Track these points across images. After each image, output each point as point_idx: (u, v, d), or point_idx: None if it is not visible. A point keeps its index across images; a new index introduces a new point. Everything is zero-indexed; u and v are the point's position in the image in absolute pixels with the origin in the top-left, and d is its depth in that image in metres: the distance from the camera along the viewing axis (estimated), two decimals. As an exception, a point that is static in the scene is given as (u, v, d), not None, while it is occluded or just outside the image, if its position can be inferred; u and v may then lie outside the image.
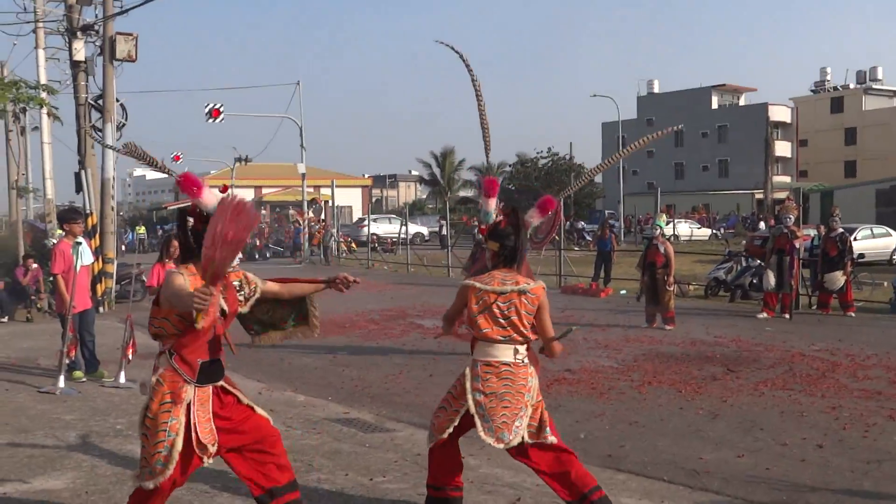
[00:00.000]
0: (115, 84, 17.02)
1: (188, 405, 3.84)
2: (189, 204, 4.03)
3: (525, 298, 4.43)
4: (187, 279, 3.80)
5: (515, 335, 4.42)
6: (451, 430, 4.47)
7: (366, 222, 37.11)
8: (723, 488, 5.45)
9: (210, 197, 3.91)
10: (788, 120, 68.18)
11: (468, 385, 4.40)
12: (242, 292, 4.24)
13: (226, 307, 4.01)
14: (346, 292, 4.66)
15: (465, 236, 36.45)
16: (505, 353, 4.43)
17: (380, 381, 9.00)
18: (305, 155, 34.39)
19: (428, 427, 4.78)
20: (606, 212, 48.84)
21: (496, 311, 4.40)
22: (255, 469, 4.05)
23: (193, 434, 3.82)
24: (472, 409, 4.33)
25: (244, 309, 4.25)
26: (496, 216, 4.70)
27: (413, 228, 41.14)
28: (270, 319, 4.61)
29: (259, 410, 4.16)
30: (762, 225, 38.40)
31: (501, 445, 4.36)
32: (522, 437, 4.36)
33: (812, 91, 73.65)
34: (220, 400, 4.04)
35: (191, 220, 3.96)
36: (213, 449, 3.92)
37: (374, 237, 34.80)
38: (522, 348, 4.48)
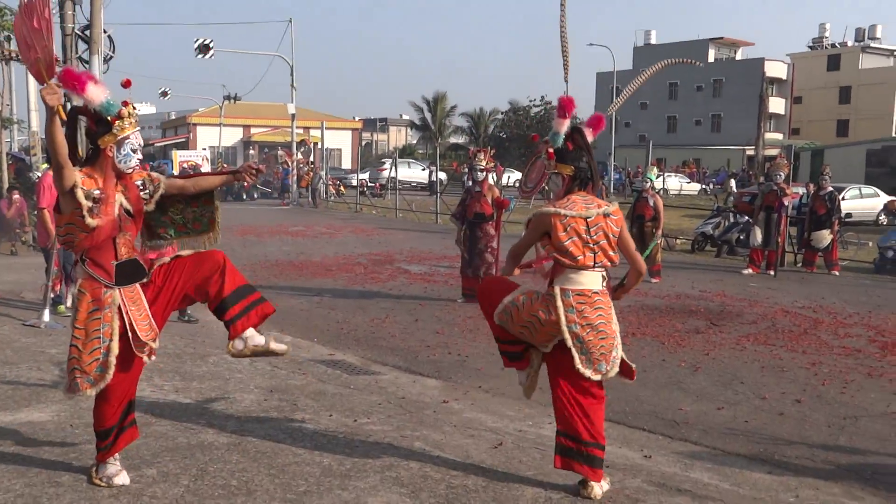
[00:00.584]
0: (102, 15, 16.61)
1: (119, 308, 3.86)
2: (78, 104, 3.89)
3: (610, 220, 4.28)
4: (79, 176, 3.80)
5: (605, 260, 4.27)
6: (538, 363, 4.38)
7: (385, 165, 36.64)
8: (701, 439, 5.54)
9: (96, 91, 3.79)
10: (784, 76, 67.66)
11: (563, 317, 4.20)
12: (147, 190, 4.19)
13: (129, 206, 3.98)
14: (248, 184, 4.56)
15: (454, 183, 36.31)
16: (596, 281, 4.28)
17: (365, 324, 9.02)
18: (296, 95, 33.95)
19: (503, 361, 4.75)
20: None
21: (585, 236, 4.23)
22: (199, 289, 4.08)
23: (131, 334, 3.87)
24: (570, 343, 4.17)
25: (149, 207, 4.18)
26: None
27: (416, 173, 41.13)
28: (182, 220, 4.48)
29: (186, 253, 4.19)
30: (732, 184, 38.52)
31: (599, 377, 4.29)
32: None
33: (809, 48, 73.01)
34: (154, 285, 4.05)
35: (83, 119, 3.90)
36: (154, 344, 4.01)
37: (363, 181, 34.59)
38: (606, 274, 4.35)
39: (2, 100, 20.27)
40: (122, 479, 4.04)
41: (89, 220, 3.75)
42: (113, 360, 3.83)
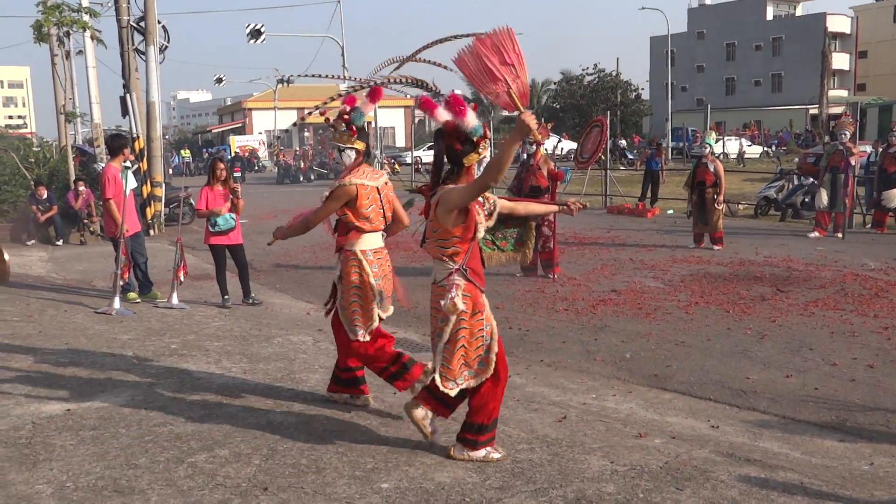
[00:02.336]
0: (156, 5, 16.93)
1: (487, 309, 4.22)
2: (444, 122, 4.05)
3: (387, 187, 5.03)
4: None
5: (385, 221, 5.11)
6: None
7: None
8: (770, 408, 5.44)
9: (473, 116, 3.99)
10: (847, 30, 65.30)
11: (370, 273, 4.94)
12: (485, 207, 4.37)
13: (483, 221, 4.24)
14: (574, 215, 4.90)
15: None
16: (381, 239, 5.13)
17: (425, 301, 8.96)
18: (347, 75, 34.03)
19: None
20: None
21: (377, 202, 5.00)
22: None
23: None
24: (375, 294, 4.98)
25: (490, 223, 4.42)
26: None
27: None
28: (493, 238, 4.91)
29: None
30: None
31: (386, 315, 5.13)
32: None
33: (873, -1, 70.24)
34: None
35: (448, 139, 4.06)
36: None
37: (418, 159, 34.64)
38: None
39: (65, 94, 20.84)
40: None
41: (479, 234, 4.11)
42: (493, 356, 4.16)
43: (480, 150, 4.08)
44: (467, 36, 3.93)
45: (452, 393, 4.19)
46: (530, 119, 3.66)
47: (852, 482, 4.13)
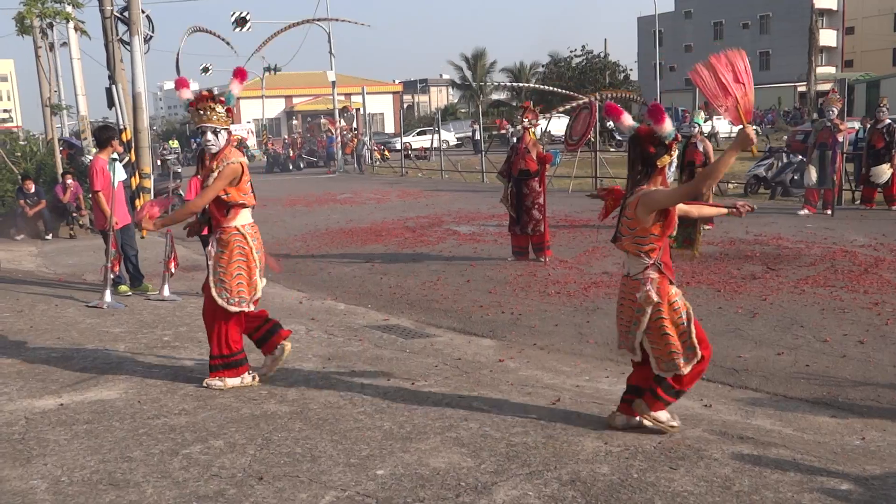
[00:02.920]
0: (139, -4, 16.76)
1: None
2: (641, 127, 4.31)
3: (245, 165, 5.39)
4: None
5: None
6: None
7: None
8: (762, 386, 5.48)
9: (669, 122, 4.22)
10: (834, 7, 65.25)
11: (253, 247, 5.34)
12: None
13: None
14: (742, 216, 5.05)
15: (498, 140, 36.07)
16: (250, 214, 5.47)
17: (417, 287, 9.08)
18: (335, 62, 33.88)
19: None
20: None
21: (248, 179, 5.38)
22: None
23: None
24: (259, 271, 5.44)
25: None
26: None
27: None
28: None
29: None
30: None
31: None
32: None
33: (860, -25, 70.15)
34: None
35: (643, 143, 4.26)
36: None
37: (408, 145, 34.58)
38: None
39: (49, 86, 20.68)
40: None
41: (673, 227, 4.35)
42: (695, 339, 4.27)
43: (671, 153, 4.31)
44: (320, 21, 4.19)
45: (682, 371, 4.30)
46: (751, 133, 3.99)
47: (844, 457, 4.16)
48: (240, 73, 5.32)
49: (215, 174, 5.10)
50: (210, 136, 5.16)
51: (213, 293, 5.21)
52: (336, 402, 5.06)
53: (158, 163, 37.20)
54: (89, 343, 6.72)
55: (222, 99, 5.20)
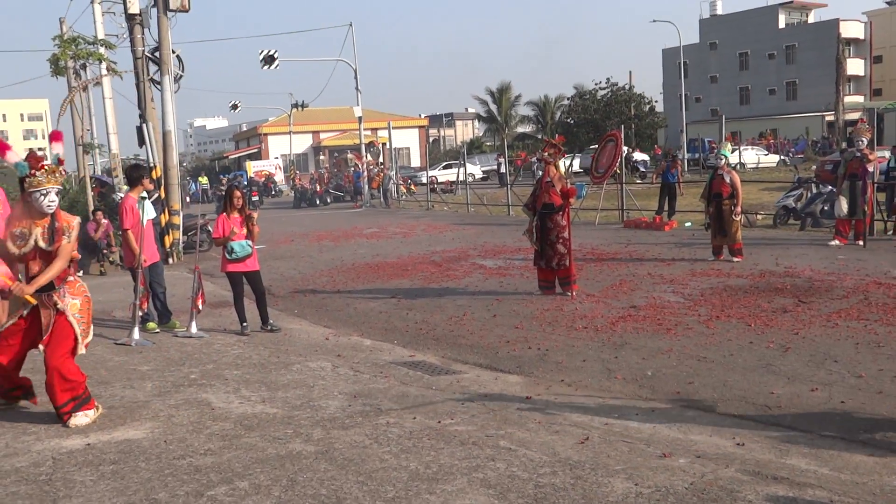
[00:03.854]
0: (170, 35, 17.13)
1: None
2: None
3: None
4: None
5: None
6: None
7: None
8: (796, 423, 5.35)
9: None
10: (862, 36, 64.94)
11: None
12: None
13: None
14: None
15: (524, 173, 36.13)
16: None
17: (444, 323, 9.04)
18: (361, 98, 34.24)
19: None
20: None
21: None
22: None
23: None
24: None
25: None
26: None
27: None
28: None
29: None
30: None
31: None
32: None
33: (887, 3, 69.79)
34: None
35: None
36: None
37: (434, 178, 34.72)
38: None
39: (83, 125, 21.09)
40: None
41: None
42: None
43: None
44: None
45: None
46: None
47: (883, 498, 4.03)
48: (55, 136, 5.86)
49: (74, 234, 5.52)
50: (54, 196, 5.43)
51: (81, 339, 5.63)
52: (362, 441, 5.02)
53: (187, 199, 37.59)
54: (117, 381, 6.75)
55: (62, 159, 5.61)
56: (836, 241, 13.18)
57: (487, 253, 14.78)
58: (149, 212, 8.93)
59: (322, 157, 58.85)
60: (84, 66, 21.29)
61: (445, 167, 46.15)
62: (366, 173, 33.82)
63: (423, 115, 74.74)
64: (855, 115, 41.45)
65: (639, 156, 43.46)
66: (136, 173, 9.21)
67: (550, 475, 4.36)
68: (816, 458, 4.71)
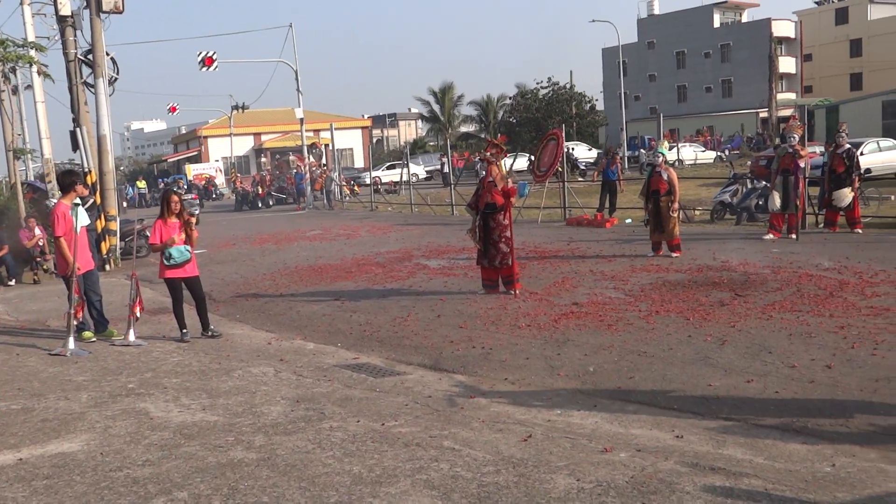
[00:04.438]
0: (103, 37, 16.72)
1: None
2: None
3: None
4: None
5: None
6: None
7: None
8: (733, 414, 5.47)
9: None
10: (792, 35, 66.78)
11: None
12: None
13: None
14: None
15: (467, 172, 36.24)
16: None
17: (388, 324, 9.02)
18: (302, 99, 33.99)
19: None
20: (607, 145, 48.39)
21: None
22: None
23: None
24: None
25: None
26: None
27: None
28: None
29: None
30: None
31: None
32: None
33: (816, 3, 72.01)
34: None
35: None
36: None
37: (377, 179, 34.60)
38: None
39: (13, 130, 20.47)
40: None
41: None
42: None
43: None
44: None
45: None
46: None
47: (815, 485, 4.15)
48: None
49: None
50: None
51: None
52: (304, 446, 4.98)
53: (124, 204, 36.76)
54: (51, 392, 6.56)
55: None
56: (771, 235, 13.53)
57: (431, 253, 14.79)
58: (82, 218, 8.71)
59: (264, 160, 58.13)
60: (14, 70, 20.66)
61: (389, 167, 46.05)
62: (308, 175, 33.55)
63: (366, 116, 74.40)
64: (787, 112, 42.71)
65: (581, 152, 44.01)
66: (68, 179, 8.96)
67: (494, 474, 4.38)
68: (752, 447, 4.83)
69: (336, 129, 36.39)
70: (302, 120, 35.01)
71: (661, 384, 6.18)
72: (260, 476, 4.47)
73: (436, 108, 67.22)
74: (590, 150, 45.69)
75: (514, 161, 24.33)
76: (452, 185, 25.29)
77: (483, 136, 57.45)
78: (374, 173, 35.81)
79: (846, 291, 8.87)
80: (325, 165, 37.15)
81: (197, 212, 26.27)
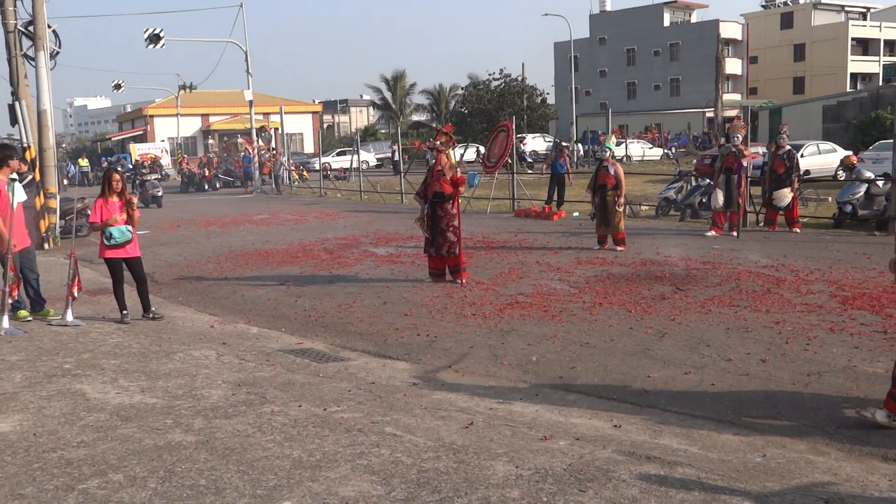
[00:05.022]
0: (45, 9, 16.21)
1: None
2: None
3: None
4: None
5: None
6: None
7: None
8: (670, 405, 5.59)
9: None
10: (739, 37, 68.15)
11: None
12: None
13: None
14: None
15: (418, 161, 36.22)
16: None
17: (333, 310, 8.98)
18: (252, 81, 33.45)
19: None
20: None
21: None
22: None
23: None
24: None
25: None
26: None
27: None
28: None
29: None
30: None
31: None
32: None
33: (762, 6, 73.60)
34: None
35: None
36: None
37: (327, 165, 34.33)
38: None
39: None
40: None
41: None
42: None
43: None
44: None
45: None
46: None
47: (746, 475, 4.27)
48: None
49: None
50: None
51: None
52: (244, 430, 4.94)
53: (65, 182, 35.81)
54: (-17, 372, 6.37)
55: None
56: (713, 232, 13.83)
57: (379, 240, 14.75)
58: (19, 194, 8.44)
59: (211, 141, 57.11)
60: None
61: (339, 154, 45.71)
62: (256, 158, 33.11)
63: (317, 101, 73.68)
64: (732, 113, 43.58)
65: (531, 144, 44.29)
66: (3, 153, 8.67)
67: (434, 460, 4.41)
68: (687, 437, 4.95)
69: (286, 113, 36.02)
70: (251, 102, 34.48)
71: (601, 375, 6.28)
72: (198, 459, 4.42)
73: (387, 95, 66.95)
74: (547, 142, 45.94)
75: (464, 151, 24.37)
76: (402, 174, 25.23)
77: (434, 125, 57.40)
78: (323, 159, 35.54)
79: (782, 288, 9.12)
80: (273, 149, 36.70)
81: (160, 193, 25.96)
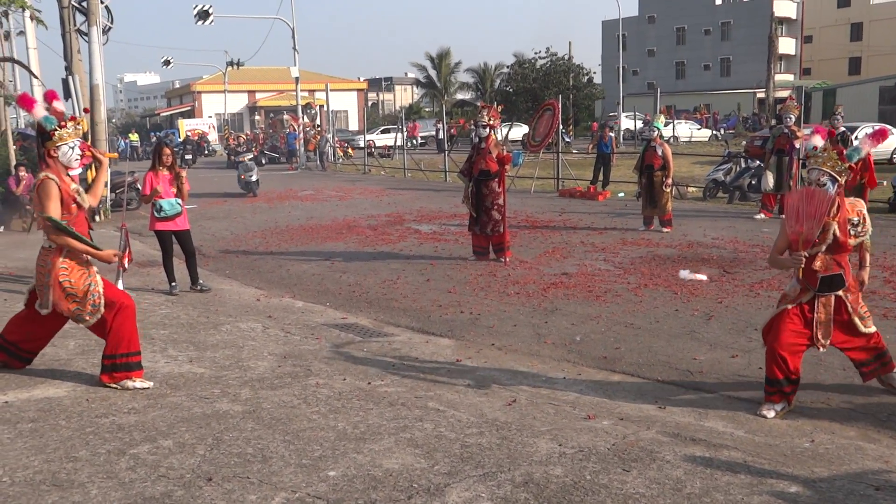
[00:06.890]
0: (99, -15, 16.45)
1: None
2: None
3: None
4: None
5: None
6: None
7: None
8: (716, 388, 5.53)
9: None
10: (793, 15, 66.42)
11: None
12: (855, 229, 5.14)
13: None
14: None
15: (462, 140, 36.14)
16: None
17: (377, 286, 9.03)
18: (298, 58, 33.58)
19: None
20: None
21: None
22: None
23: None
24: None
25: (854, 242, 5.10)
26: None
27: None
28: None
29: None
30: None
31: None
32: None
33: (819, -15, 71.55)
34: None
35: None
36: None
37: (371, 142, 34.40)
38: None
39: (4, 76, 20.19)
40: None
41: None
42: None
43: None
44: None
45: None
46: (798, 261, 4.89)
47: (793, 459, 4.21)
48: (28, 102, 5.21)
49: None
50: (79, 149, 5.21)
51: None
52: (290, 401, 5.00)
53: (116, 155, 36.52)
54: (38, 339, 6.53)
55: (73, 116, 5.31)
56: (762, 215, 13.57)
57: (423, 218, 14.77)
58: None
59: (258, 118, 57.68)
60: (6, 14, 20.33)
61: (384, 131, 45.77)
62: (302, 135, 33.32)
63: (361, 79, 73.83)
64: (784, 93, 42.55)
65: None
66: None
67: (477, 435, 4.42)
68: (733, 420, 4.89)
69: (331, 90, 36.15)
70: (297, 79, 34.64)
71: (646, 356, 6.22)
72: (245, 428, 4.50)
73: (432, 73, 66.65)
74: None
75: (509, 129, 24.21)
76: (446, 152, 25.18)
77: (479, 104, 57.18)
78: (368, 137, 35.63)
79: (833, 273, 8.91)
80: (319, 126, 36.89)
81: (253, 178, 20.52)
